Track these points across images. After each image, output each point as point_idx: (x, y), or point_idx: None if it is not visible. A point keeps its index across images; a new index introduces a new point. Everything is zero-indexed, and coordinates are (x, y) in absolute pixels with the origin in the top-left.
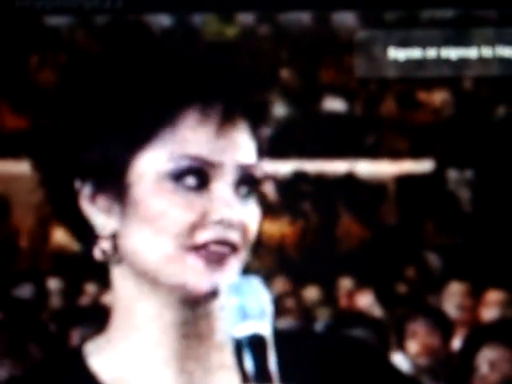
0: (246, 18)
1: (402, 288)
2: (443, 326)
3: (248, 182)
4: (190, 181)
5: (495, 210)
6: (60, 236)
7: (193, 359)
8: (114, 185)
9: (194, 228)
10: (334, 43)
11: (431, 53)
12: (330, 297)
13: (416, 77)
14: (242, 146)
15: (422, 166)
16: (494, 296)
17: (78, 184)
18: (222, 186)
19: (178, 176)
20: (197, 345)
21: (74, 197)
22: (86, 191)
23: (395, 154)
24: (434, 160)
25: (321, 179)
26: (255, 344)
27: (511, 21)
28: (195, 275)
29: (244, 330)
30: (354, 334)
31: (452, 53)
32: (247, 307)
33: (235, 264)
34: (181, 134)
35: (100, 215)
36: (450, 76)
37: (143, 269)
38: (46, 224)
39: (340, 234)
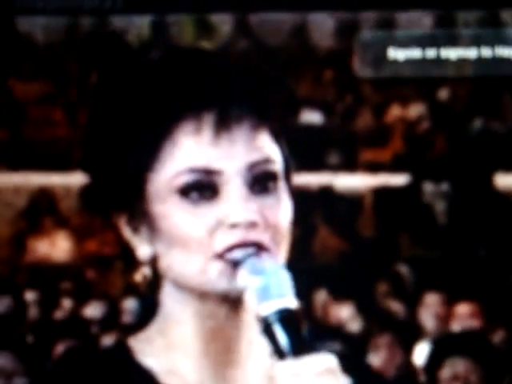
0: (224, 31)
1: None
2: (406, 339)
3: (262, 177)
4: (199, 193)
5: (471, 222)
6: (37, 249)
7: (224, 355)
8: (138, 207)
9: (212, 237)
10: (312, 56)
11: (430, 53)
12: (306, 310)
13: (416, 77)
14: (244, 146)
15: (399, 178)
16: (463, 308)
17: (115, 217)
18: (232, 191)
19: (185, 191)
20: (227, 342)
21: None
22: (122, 221)
23: (372, 167)
24: (411, 173)
25: (298, 192)
26: (286, 318)
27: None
28: (220, 280)
29: (271, 307)
30: (329, 348)
31: (451, 53)
32: (270, 286)
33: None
34: (180, 146)
35: (138, 242)
36: (450, 76)
37: (183, 284)
38: (23, 237)
39: (317, 246)
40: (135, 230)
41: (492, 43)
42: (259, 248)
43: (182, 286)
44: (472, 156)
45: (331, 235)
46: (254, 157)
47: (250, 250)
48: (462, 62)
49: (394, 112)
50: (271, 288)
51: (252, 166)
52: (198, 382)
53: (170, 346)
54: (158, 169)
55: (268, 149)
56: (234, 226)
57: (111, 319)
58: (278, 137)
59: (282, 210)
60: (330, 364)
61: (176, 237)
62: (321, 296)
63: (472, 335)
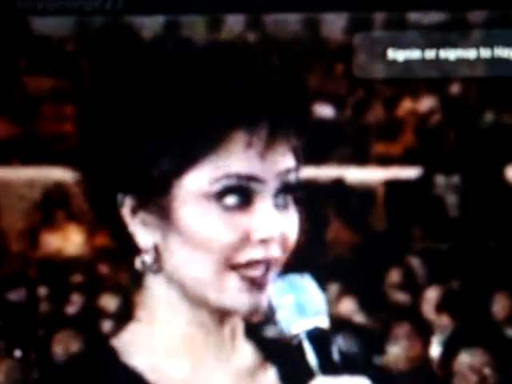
0: (234, 25)
1: (389, 293)
2: (425, 331)
3: (285, 189)
4: (233, 200)
5: (482, 214)
6: (49, 242)
7: (214, 361)
8: (156, 201)
9: (236, 247)
10: (323, 49)
11: (430, 54)
12: None
13: (415, 77)
14: (282, 157)
15: (410, 171)
16: None
17: (120, 197)
18: (265, 204)
19: (220, 195)
20: (219, 351)
21: (115, 208)
22: (127, 204)
23: (384, 160)
24: (422, 165)
25: (310, 185)
26: (317, 338)
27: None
28: (235, 295)
29: (303, 326)
30: (339, 341)
31: (451, 54)
32: (304, 304)
33: (273, 277)
34: (226, 155)
35: (141, 228)
36: (450, 77)
37: (183, 283)
38: (36, 230)
39: (330, 239)
40: (143, 222)
41: (491, 44)
42: (273, 263)
43: (178, 283)
44: (483, 149)
45: (343, 228)
46: (285, 165)
47: (265, 266)
48: (461, 62)
49: (406, 105)
50: (305, 306)
51: (282, 175)
52: (181, 379)
53: (155, 347)
54: (195, 170)
55: (290, 160)
56: (261, 241)
57: (124, 313)
58: (297, 151)
59: (295, 223)
60: None
61: (194, 237)
62: (333, 289)
63: (488, 327)
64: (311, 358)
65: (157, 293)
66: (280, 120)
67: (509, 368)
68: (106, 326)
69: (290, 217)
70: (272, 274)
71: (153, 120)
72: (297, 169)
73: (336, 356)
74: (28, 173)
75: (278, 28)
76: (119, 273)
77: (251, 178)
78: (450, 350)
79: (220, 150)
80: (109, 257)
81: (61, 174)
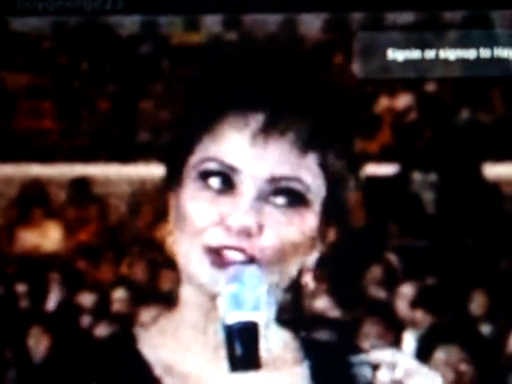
0: (212, 24)
1: (366, 289)
2: (396, 327)
3: (284, 193)
4: (215, 182)
5: (459, 211)
6: (27, 239)
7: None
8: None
9: (210, 229)
10: (300, 49)
11: (430, 54)
12: (295, 299)
13: (416, 77)
14: (277, 157)
15: (387, 168)
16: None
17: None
18: (243, 193)
19: (206, 175)
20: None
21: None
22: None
23: (360, 157)
24: (399, 162)
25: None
26: (246, 331)
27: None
28: (210, 277)
29: (236, 318)
30: (317, 336)
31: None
32: (242, 297)
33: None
34: (218, 139)
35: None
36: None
37: (181, 267)
38: (12, 227)
39: None
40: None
41: (491, 44)
42: (250, 260)
43: (181, 269)
44: (460, 146)
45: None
46: (283, 171)
47: (241, 257)
48: (461, 63)
49: (383, 103)
50: (243, 299)
51: (277, 179)
52: (194, 379)
53: (175, 342)
54: (195, 153)
55: (304, 170)
56: (228, 228)
57: (102, 309)
58: (326, 164)
59: (290, 229)
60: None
61: (182, 217)
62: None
63: (464, 324)
64: (238, 350)
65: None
66: (281, 115)
67: (485, 364)
68: (85, 321)
69: (287, 219)
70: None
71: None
72: (300, 180)
73: (261, 354)
74: (5, 169)
75: (256, 28)
76: (97, 269)
77: (228, 166)
78: (425, 347)
79: (211, 133)
80: (87, 253)
81: (39, 171)
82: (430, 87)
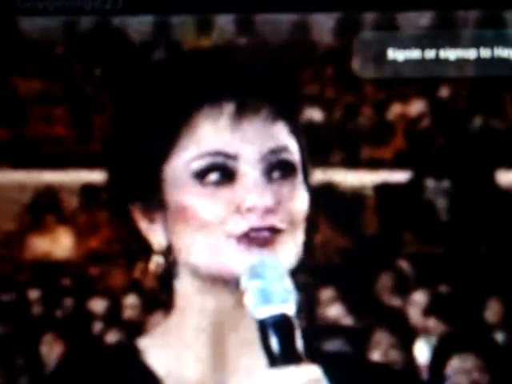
0: (224, 28)
1: (379, 297)
2: (405, 336)
3: (279, 165)
4: (215, 177)
5: (472, 218)
6: (39, 246)
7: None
8: (153, 196)
9: (228, 219)
10: (312, 53)
11: (430, 54)
12: (309, 307)
13: (415, 78)
14: (261, 134)
15: (400, 175)
16: None
17: (132, 209)
18: (248, 176)
19: (202, 174)
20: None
21: (129, 219)
22: (136, 211)
23: (374, 164)
24: (412, 169)
25: None
26: (281, 325)
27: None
28: (234, 257)
29: (268, 312)
30: (330, 346)
31: (451, 54)
32: (271, 290)
33: (283, 246)
34: (198, 133)
35: (153, 232)
36: (450, 77)
37: (193, 266)
38: (25, 233)
39: (319, 243)
40: (151, 220)
41: (492, 44)
42: (276, 232)
43: (191, 268)
44: (473, 153)
45: (333, 232)
46: (271, 144)
47: (268, 234)
48: (462, 63)
49: (396, 109)
50: (271, 292)
51: (269, 153)
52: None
53: (180, 345)
54: (175, 157)
55: (285, 139)
56: (250, 210)
57: (113, 315)
58: (294, 130)
59: (297, 197)
60: (314, 375)
61: (193, 221)
62: (326, 293)
63: (479, 332)
64: (275, 345)
65: (181, 288)
66: (248, 96)
67: (500, 372)
68: (97, 327)
69: (290, 189)
70: (279, 242)
71: (127, 112)
72: (287, 149)
73: (299, 346)
74: (18, 176)
75: (268, 30)
76: (109, 275)
77: (224, 154)
78: (441, 355)
79: (189, 130)
80: (98, 259)
81: (51, 177)
82: (443, 93)
